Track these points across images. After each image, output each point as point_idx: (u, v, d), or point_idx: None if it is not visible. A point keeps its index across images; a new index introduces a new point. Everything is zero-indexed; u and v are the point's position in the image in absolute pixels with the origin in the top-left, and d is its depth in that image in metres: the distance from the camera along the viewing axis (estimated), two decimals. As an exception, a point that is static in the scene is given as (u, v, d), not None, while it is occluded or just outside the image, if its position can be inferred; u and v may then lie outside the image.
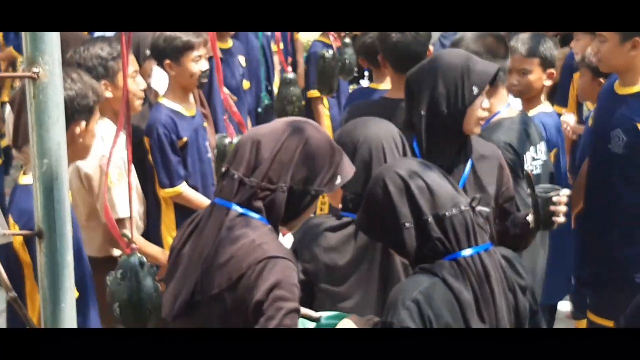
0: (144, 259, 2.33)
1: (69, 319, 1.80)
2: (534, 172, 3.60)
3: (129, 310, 2.28)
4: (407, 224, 2.38)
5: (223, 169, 2.45)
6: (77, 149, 3.05)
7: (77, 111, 3.02)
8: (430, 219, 2.37)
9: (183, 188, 4.22)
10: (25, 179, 3.00)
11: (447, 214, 2.37)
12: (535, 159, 3.63)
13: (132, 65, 3.77)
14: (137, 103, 3.87)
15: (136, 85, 3.81)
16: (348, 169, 2.47)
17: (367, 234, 2.54)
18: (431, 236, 2.37)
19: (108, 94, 3.65)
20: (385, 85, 4.40)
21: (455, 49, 3.50)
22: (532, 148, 3.60)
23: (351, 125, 2.92)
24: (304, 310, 2.73)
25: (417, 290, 2.32)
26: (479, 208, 2.45)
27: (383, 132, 2.84)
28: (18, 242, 2.95)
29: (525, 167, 3.53)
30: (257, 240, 2.34)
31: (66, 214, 1.78)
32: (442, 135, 3.05)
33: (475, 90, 3.02)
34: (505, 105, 3.65)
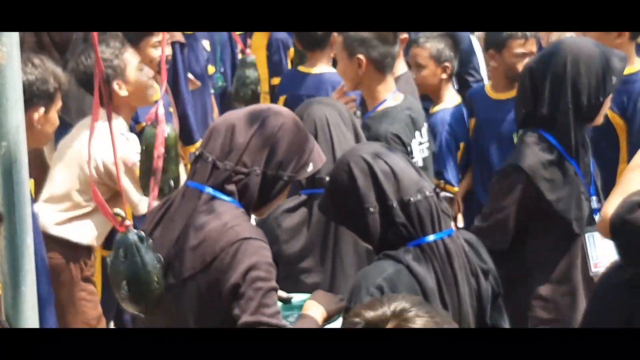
0: (142, 234, 2.32)
1: (30, 302, 1.79)
2: (423, 155, 3.64)
3: (138, 286, 2.28)
4: (371, 209, 2.38)
5: (197, 153, 2.45)
6: (36, 134, 3.01)
7: (36, 96, 2.98)
8: (395, 204, 2.37)
9: None
10: None
11: (411, 199, 2.37)
12: (422, 142, 3.67)
13: (135, 57, 3.71)
14: (149, 93, 3.78)
15: (145, 76, 3.74)
16: (320, 157, 2.50)
17: (331, 218, 2.54)
18: (395, 222, 2.37)
19: (123, 92, 3.61)
20: (319, 69, 4.54)
21: (579, 37, 3.49)
22: (417, 133, 3.64)
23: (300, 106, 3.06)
24: (279, 293, 2.73)
25: (381, 276, 2.31)
26: (442, 194, 2.45)
27: (329, 108, 2.95)
28: None
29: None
30: (229, 222, 2.34)
31: (26, 196, 1.76)
32: (580, 129, 3.10)
33: (614, 80, 3.04)
34: (392, 92, 3.66)
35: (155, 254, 2.29)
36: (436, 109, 4.39)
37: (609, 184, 3.09)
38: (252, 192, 2.39)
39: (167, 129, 2.98)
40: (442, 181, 4.25)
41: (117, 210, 2.30)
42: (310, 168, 2.46)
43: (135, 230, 2.28)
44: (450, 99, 4.41)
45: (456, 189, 4.33)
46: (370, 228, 2.38)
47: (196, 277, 2.33)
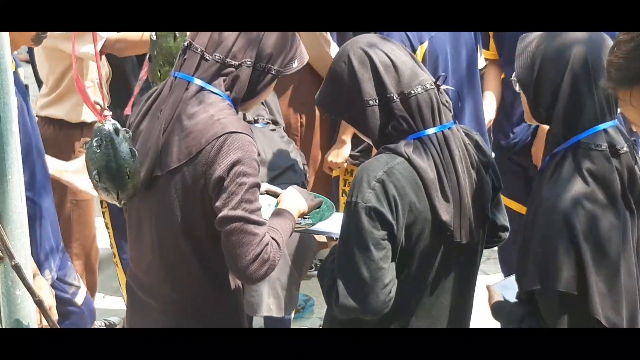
0: (118, 125, 2.31)
1: (17, 192, 1.77)
2: None
3: (107, 176, 2.32)
4: (370, 102, 2.34)
5: (186, 43, 2.42)
6: None
7: None
8: (395, 96, 2.33)
9: None
10: None
11: (412, 92, 2.33)
12: None
13: None
14: None
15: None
16: (304, 54, 2.49)
17: (329, 111, 2.50)
18: (395, 114, 2.34)
19: None
20: None
21: None
22: None
23: None
24: (268, 187, 2.74)
25: (382, 170, 2.30)
26: (443, 86, 2.40)
27: None
28: None
29: None
30: (215, 115, 2.32)
31: (8, 83, 1.73)
32: None
33: None
34: None
35: (130, 147, 2.29)
36: None
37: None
38: (241, 84, 2.37)
39: None
40: None
41: (97, 99, 2.28)
42: (295, 64, 2.45)
43: (112, 121, 2.26)
44: None
45: None
46: (369, 121, 2.35)
47: (182, 168, 2.33)
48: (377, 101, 2.34)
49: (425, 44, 3.62)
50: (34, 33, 2.86)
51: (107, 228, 4.38)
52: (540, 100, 2.39)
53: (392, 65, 2.35)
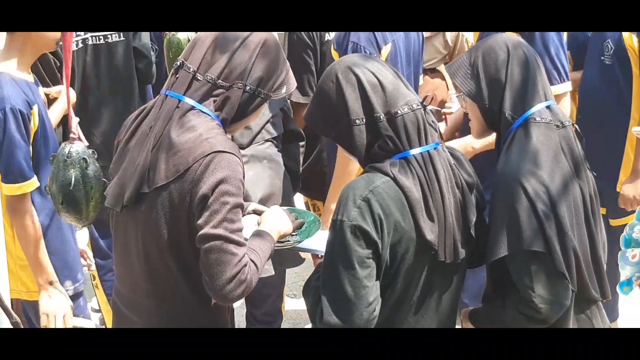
0: (87, 150, 2.33)
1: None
2: None
3: (69, 199, 2.30)
4: (357, 121, 2.36)
5: (178, 62, 2.45)
6: None
7: None
8: (381, 116, 2.36)
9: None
10: None
11: (399, 112, 2.36)
12: None
13: None
14: None
15: None
16: (292, 81, 2.54)
17: (317, 129, 2.52)
18: (382, 134, 2.36)
19: None
20: None
21: None
22: None
23: None
24: (255, 206, 2.75)
25: (368, 189, 2.32)
26: (430, 107, 2.43)
27: None
28: None
29: None
30: (204, 134, 2.35)
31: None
32: None
33: None
34: None
35: (96, 171, 2.32)
36: None
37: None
38: (232, 106, 2.40)
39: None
40: None
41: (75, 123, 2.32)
42: (284, 90, 2.49)
43: (79, 144, 2.29)
44: None
45: None
46: (356, 140, 2.38)
47: (169, 186, 2.35)
48: (364, 120, 2.37)
49: (389, 45, 3.66)
50: (58, 36, 2.90)
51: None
52: (491, 96, 2.59)
53: (379, 85, 2.37)
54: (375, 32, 3.61)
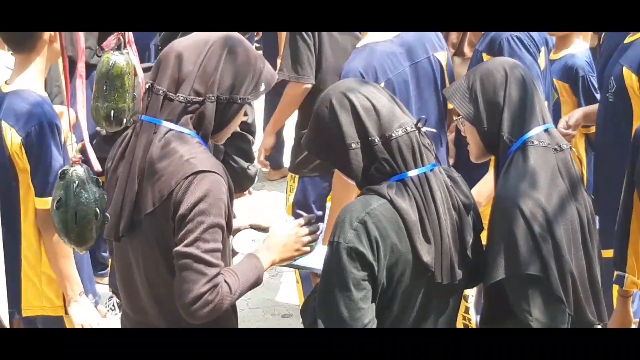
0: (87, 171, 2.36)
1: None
2: None
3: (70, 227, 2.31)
4: (353, 145, 2.39)
5: (147, 85, 2.43)
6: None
7: None
8: (376, 139, 2.38)
9: None
10: (9, 87, 3.11)
11: (393, 134, 2.38)
12: None
13: None
14: None
15: None
16: (272, 75, 2.50)
17: (315, 154, 2.54)
18: (378, 157, 2.38)
19: None
20: None
21: None
22: None
23: None
24: (254, 222, 2.74)
25: (365, 211, 2.34)
26: (425, 129, 2.45)
27: None
28: (16, 146, 3.04)
29: None
30: (185, 155, 2.34)
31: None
32: None
33: None
34: None
35: (88, 198, 2.35)
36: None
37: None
38: (208, 120, 2.39)
39: (117, 58, 2.99)
40: None
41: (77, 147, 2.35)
42: (262, 87, 2.46)
43: (77, 168, 2.30)
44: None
45: None
46: (352, 163, 2.39)
47: (155, 212, 2.36)
48: (360, 144, 2.39)
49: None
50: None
51: None
52: (489, 119, 2.59)
53: (372, 109, 2.40)
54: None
